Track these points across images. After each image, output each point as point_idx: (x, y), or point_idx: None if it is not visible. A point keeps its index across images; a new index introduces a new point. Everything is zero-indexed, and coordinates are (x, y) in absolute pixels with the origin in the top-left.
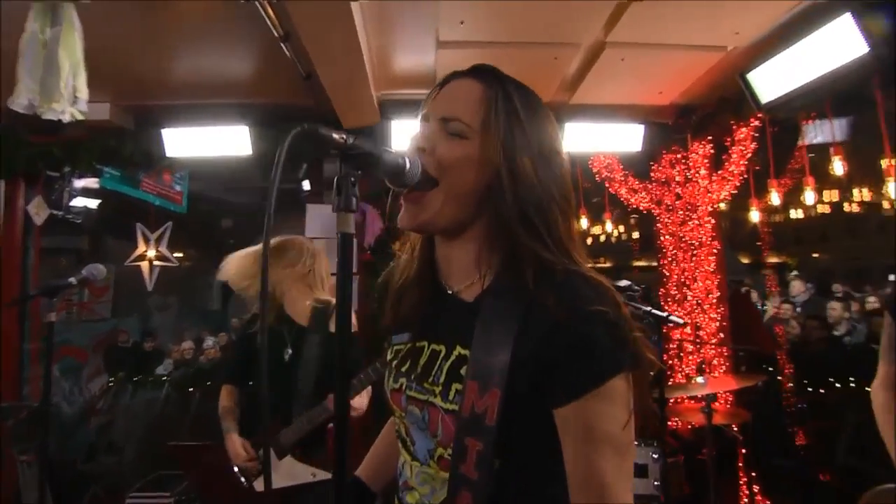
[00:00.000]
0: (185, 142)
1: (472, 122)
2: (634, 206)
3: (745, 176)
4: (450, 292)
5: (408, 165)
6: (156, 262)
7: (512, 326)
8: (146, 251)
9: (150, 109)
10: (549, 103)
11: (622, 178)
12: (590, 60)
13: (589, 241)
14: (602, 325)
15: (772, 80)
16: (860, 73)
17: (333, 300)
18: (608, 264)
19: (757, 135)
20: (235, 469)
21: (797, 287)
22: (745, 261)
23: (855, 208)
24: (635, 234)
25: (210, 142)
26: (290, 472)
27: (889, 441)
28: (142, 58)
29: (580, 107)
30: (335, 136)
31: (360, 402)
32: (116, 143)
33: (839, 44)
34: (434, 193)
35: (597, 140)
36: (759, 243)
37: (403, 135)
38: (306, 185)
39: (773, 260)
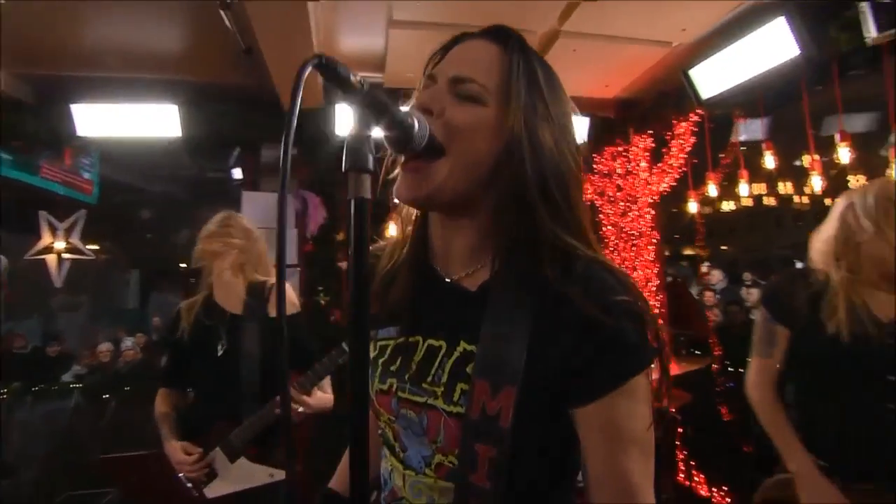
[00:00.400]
0: (100, 120)
1: (488, 83)
2: None
3: (685, 169)
4: (448, 280)
5: (416, 126)
6: (66, 256)
7: (526, 318)
8: (53, 243)
9: (57, 81)
10: None
11: None
12: (543, 48)
13: None
14: (629, 317)
15: (712, 77)
16: (791, 73)
17: (269, 280)
18: None
19: (696, 129)
20: (181, 476)
21: (716, 276)
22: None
23: (773, 202)
24: None
25: (130, 121)
26: (245, 475)
27: (774, 436)
28: (47, 18)
29: None
30: (353, 77)
31: (324, 398)
32: (12, 120)
33: (774, 45)
34: (440, 162)
35: None
36: (676, 236)
37: (348, 120)
38: (237, 173)
39: (688, 252)
